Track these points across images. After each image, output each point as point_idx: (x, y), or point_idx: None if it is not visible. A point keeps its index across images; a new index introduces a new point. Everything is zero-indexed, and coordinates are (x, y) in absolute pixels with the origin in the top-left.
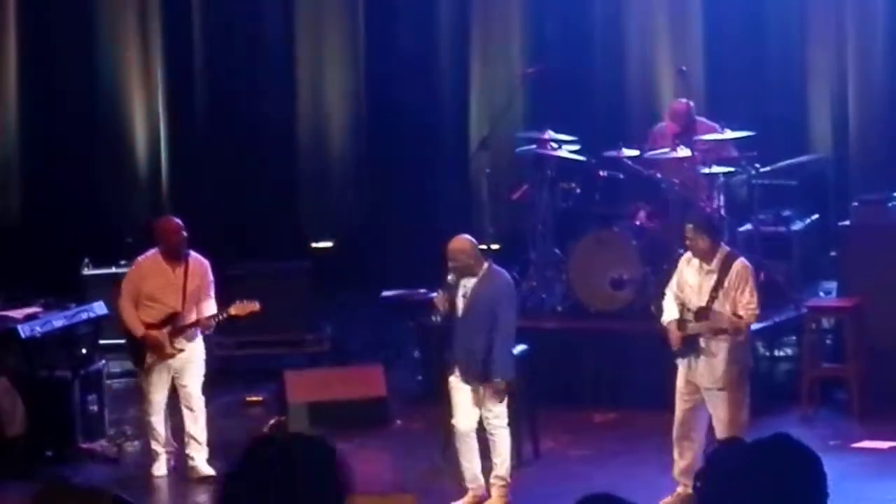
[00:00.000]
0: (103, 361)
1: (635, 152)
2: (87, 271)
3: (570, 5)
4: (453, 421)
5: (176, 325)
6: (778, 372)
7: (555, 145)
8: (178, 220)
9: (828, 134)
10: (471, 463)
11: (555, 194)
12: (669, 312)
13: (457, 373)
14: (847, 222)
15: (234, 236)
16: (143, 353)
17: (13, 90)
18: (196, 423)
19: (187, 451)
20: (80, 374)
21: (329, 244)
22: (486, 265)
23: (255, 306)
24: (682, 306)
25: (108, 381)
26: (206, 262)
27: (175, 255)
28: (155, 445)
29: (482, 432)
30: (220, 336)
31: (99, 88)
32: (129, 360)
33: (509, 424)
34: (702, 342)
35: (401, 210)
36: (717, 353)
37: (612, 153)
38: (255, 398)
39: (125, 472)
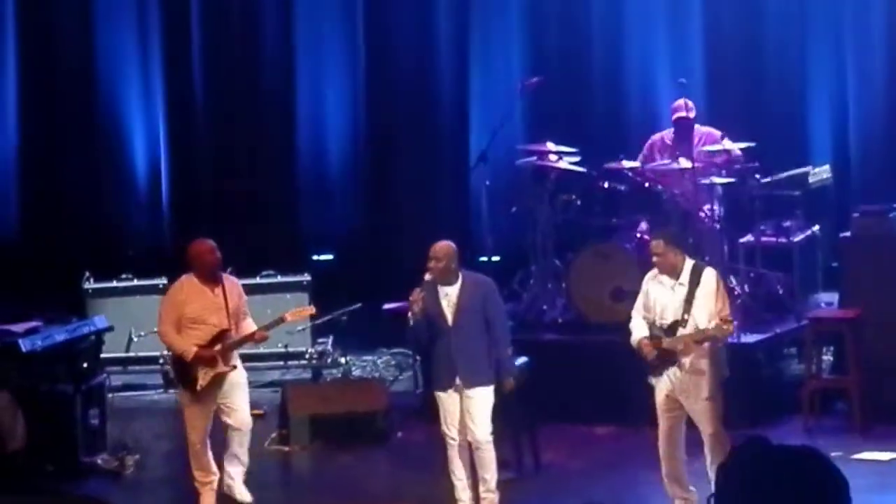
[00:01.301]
0: (105, 375)
1: (636, 164)
2: (88, 285)
3: (568, 17)
4: (443, 430)
5: (226, 343)
6: (779, 383)
7: (555, 157)
8: (211, 241)
9: (828, 145)
10: (463, 475)
11: (555, 206)
12: (638, 331)
13: (455, 384)
14: (848, 233)
15: (234, 250)
16: (195, 376)
17: (13, 104)
18: (242, 445)
19: (228, 469)
20: (81, 389)
21: (329, 257)
22: (461, 272)
23: (311, 310)
24: (652, 325)
25: (110, 395)
26: (239, 283)
27: (211, 276)
28: (202, 476)
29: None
30: None
31: (99, 103)
32: (180, 387)
33: (510, 436)
34: (682, 357)
35: (401, 222)
36: (697, 366)
37: (613, 165)
38: (256, 411)
39: (127, 486)
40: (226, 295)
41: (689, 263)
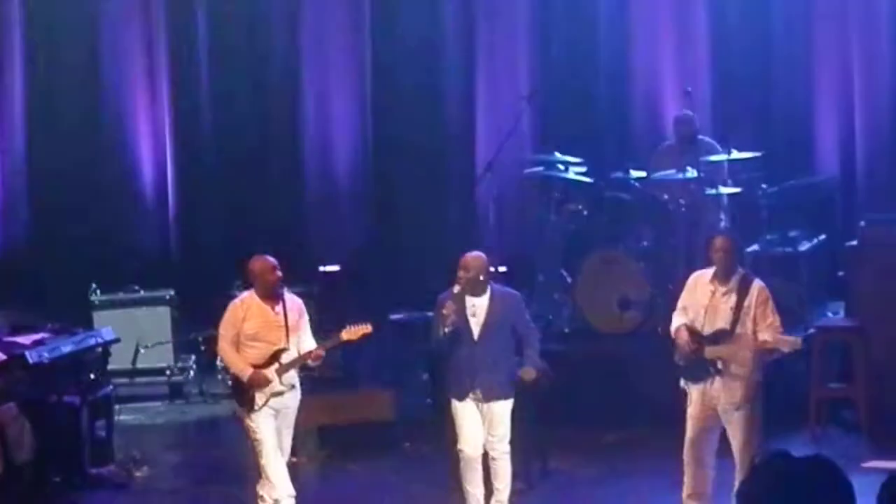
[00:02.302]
0: (111, 387)
1: (642, 174)
2: (94, 297)
3: (575, 27)
4: (459, 446)
5: (283, 362)
6: (786, 392)
7: (561, 167)
8: (273, 259)
9: (835, 154)
10: (475, 489)
11: (561, 216)
12: (679, 320)
13: (472, 396)
14: (854, 242)
15: (241, 261)
16: (253, 394)
17: (20, 118)
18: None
19: (261, 493)
20: (88, 400)
21: (336, 268)
22: (489, 286)
23: (368, 328)
24: (693, 329)
25: (117, 407)
26: (300, 300)
27: (272, 294)
28: (271, 491)
29: (485, 458)
30: None
31: (105, 116)
32: (237, 405)
33: (519, 445)
34: (720, 364)
35: (408, 233)
36: (737, 374)
37: (619, 174)
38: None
39: (134, 498)
40: (286, 313)
41: (740, 271)
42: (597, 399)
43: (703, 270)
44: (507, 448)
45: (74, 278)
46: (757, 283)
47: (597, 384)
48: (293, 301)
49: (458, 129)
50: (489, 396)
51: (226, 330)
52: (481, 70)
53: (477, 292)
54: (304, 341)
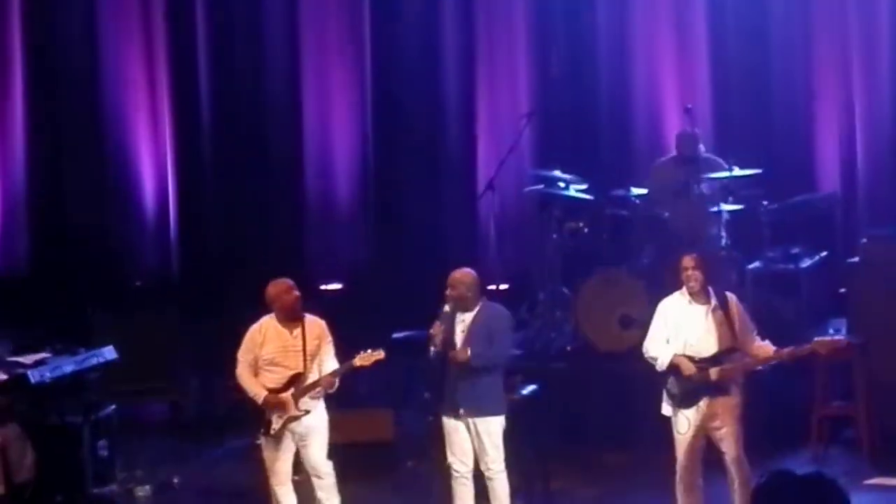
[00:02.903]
0: (113, 406)
1: (643, 191)
2: (96, 316)
3: (575, 43)
4: (449, 461)
5: (299, 387)
6: (787, 410)
7: (562, 185)
8: (290, 281)
9: (836, 170)
10: None
11: (562, 234)
12: (668, 352)
13: (459, 412)
14: (856, 259)
15: (242, 280)
16: (269, 420)
17: (20, 137)
18: (322, 489)
19: None
20: (90, 420)
21: (338, 286)
22: (482, 301)
23: (380, 355)
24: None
25: (119, 426)
26: (323, 322)
27: (291, 317)
28: None
29: (480, 477)
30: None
31: (106, 134)
32: (256, 429)
33: (520, 464)
34: (723, 383)
35: (409, 251)
36: (730, 392)
37: (620, 192)
38: None
39: None
40: (305, 337)
41: (710, 286)
42: (598, 418)
43: (671, 297)
44: (502, 467)
45: (75, 298)
46: (732, 296)
47: (598, 403)
48: (314, 324)
49: (458, 147)
50: (473, 412)
51: (243, 355)
52: (482, 88)
53: (466, 308)
54: (326, 364)
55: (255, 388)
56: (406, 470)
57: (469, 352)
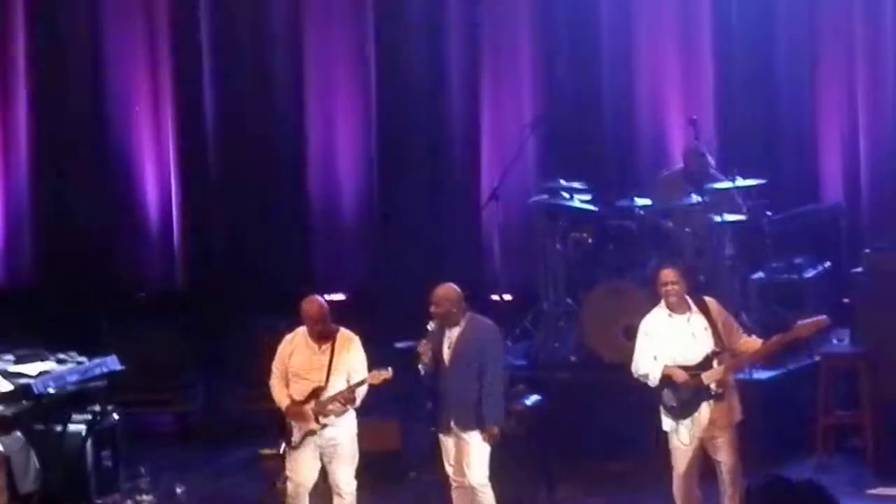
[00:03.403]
0: (117, 416)
1: (647, 201)
2: (101, 327)
3: (579, 54)
4: (447, 472)
5: (319, 401)
6: (792, 420)
7: (566, 195)
8: (320, 302)
9: (839, 180)
10: None
11: (566, 244)
12: (657, 366)
13: (449, 426)
14: (859, 269)
15: (246, 291)
16: (290, 429)
17: (24, 150)
18: None
19: None
20: (94, 430)
21: (341, 297)
22: (468, 315)
23: (388, 374)
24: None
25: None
26: (356, 339)
27: (316, 333)
28: None
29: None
30: (236, 389)
31: (110, 145)
32: (279, 440)
33: (525, 473)
34: (714, 388)
35: (413, 261)
36: (725, 397)
37: (624, 202)
38: (269, 451)
39: None
40: (333, 352)
41: (688, 296)
42: (602, 428)
43: (651, 313)
44: (485, 480)
45: (80, 308)
46: (711, 300)
47: (602, 413)
48: (346, 341)
49: (463, 157)
50: (462, 426)
51: (275, 364)
52: (486, 98)
53: (452, 323)
54: (354, 380)
55: (281, 397)
56: (410, 480)
57: (495, 430)
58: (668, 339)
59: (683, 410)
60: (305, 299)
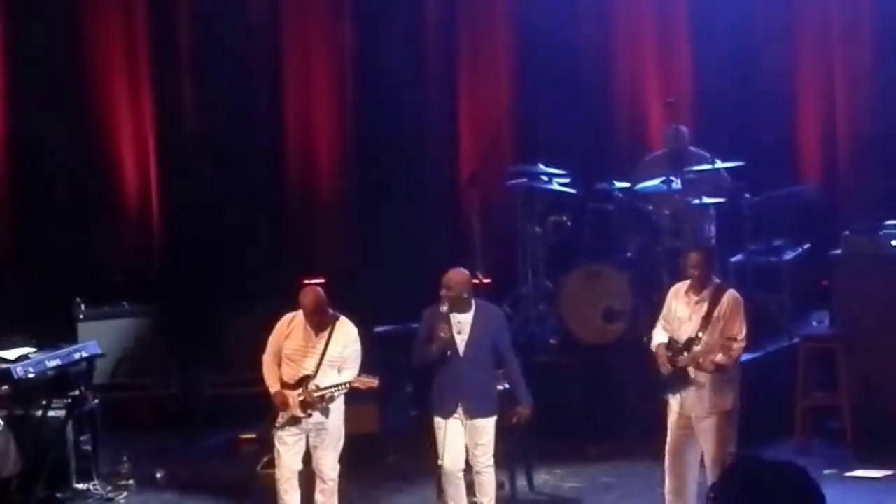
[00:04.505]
0: (97, 401)
1: (626, 184)
2: (79, 311)
3: (557, 38)
4: (440, 461)
5: (306, 389)
6: (771, 402)
7: (545, 178)
8: (316, 292)
9: (818, 163)
10: (459, 503)
11: (545, 228)
12: (658, 338)
13: (457, 413)
14: (838, 251)
15: (225, 275)
16: (276, 413)
17: (1, 134)
18: (324, 494)
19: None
20: (73, 415)
21: (320, 281)
22: (474, 302)
23: (374, 383)
24: (671, 339)
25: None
26: (354, 331)
27: (313, 321)
28: None
29: (468, 472)
30: (213, 374)
31: (88, 128)
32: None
33: (503, 457)
34: (691, 373)
35: (392, 245)
36: (705, 384)
37: (603, 185)
38: (248, 436)
39: None
40: (329, 341)
41: (713, 282)
42: (582, 411)
43: (681, 283)
44: (491, 462)
45: (58, 293)
46: (729, 294)
47: (582, 396)
48: (343, 331)
49: (440, 141)
50: (474, 413)
51: (270, 343)
52: (464, 81)
53: (462, 309)
54: (345, 373)
55: (271, 379)
56: (389, 464)
57: (528, 409)
58: (674, 312)
59: (667, 384)
60: (303, 290)
